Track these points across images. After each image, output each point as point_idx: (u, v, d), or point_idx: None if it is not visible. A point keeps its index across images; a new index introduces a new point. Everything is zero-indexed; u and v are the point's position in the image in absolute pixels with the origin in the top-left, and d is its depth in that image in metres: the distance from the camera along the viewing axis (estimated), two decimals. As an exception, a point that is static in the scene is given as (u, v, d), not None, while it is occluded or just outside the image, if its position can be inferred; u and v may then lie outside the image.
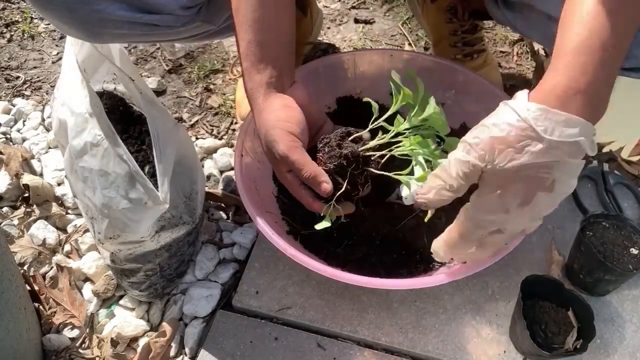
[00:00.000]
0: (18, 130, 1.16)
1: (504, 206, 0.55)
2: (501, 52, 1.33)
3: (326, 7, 1.44)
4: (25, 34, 1.40)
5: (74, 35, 0.70)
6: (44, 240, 0.94)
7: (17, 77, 1.30)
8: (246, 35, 0.67)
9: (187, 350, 0.83)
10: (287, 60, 0.70)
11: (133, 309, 0.88)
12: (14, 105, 1.21)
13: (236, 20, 0.68)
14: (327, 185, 0.65)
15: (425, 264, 0.80)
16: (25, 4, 1.49)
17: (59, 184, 1.04)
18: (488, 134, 0.52)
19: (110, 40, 0.75)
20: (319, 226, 0.68)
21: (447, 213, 0.78)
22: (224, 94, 1.24)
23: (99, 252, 0.91)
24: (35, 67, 1.33)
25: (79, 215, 1.00)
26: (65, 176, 1.01)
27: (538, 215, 0.57)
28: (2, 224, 0.97)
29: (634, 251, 0.80)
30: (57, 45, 1.38)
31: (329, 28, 1.39)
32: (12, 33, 1.40)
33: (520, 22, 0.82)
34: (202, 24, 0.76)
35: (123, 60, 0.82)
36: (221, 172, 1.08)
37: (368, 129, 0.71)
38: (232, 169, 1.07)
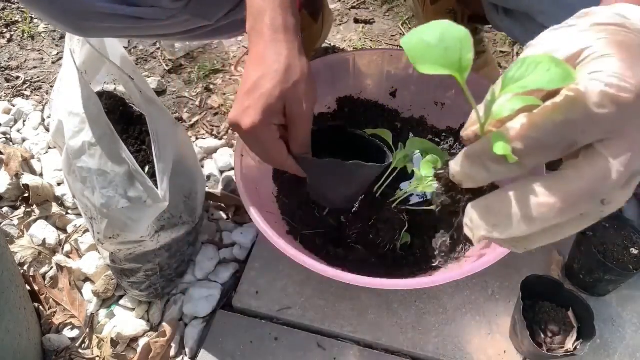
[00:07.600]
0: (18, 131, 1.16)
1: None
2: (501, 52, 1.33)
3: (326, 7, 1.44)
4: (25, 34, 1.40)
5: (60, 28, 0.70)
6: (44, 240, 0.94)
7: (17, 77, 1.30)
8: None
9: (187, 350, 0.83)
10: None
11: (133, 309, 0.88)
12: (14, 106, 1.21)
13: None
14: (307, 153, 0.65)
15: (425, 264, 0.80)
16: (25, 4, 1.49)
17: (59, 184, 1.04)
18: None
19: (99, 35, 0.74)
20: None
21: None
22: (224, 94, 1.24)
23: (99, 252, 0.91)
24: (35, 67, 1.32)
25: (79, 215, 1.00)
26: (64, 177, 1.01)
27: None
28: (2, 224, 0.97)
29: (634, 251, 0.80)
30: (57, 46, 1.38)
31: (329, 28, 1.39)
32: (12, 33, 1.40)
33: (518, 31, 0.80)
34: (192, 17, 0.74)
35: (123, 60, 0.82)
36: (221, 172, 1.08)
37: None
38: (232, 169, 1.07)
